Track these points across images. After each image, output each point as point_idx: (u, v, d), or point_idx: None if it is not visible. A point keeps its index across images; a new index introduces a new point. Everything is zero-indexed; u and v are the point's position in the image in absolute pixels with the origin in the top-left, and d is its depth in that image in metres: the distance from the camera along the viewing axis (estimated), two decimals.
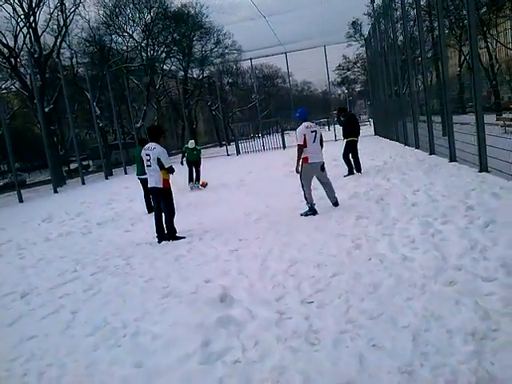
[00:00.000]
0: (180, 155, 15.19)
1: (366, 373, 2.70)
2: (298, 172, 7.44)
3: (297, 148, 7.36)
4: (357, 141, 11.39)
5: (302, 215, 7.33)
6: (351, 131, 11.34)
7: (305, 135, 7.31)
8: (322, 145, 7.65)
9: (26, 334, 4.10)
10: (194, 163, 13.93)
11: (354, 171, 11.13)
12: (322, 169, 7.50)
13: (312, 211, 7.32)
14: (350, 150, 11.20)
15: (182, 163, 14.01)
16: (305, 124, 7.46)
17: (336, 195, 7.63)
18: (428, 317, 3.23)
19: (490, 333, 2.89)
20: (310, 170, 7.40)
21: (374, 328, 3.21)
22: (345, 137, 11.41)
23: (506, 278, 3.57)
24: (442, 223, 5.52)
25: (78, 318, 4.36)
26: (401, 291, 3.75)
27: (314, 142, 7.36)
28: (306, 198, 7.41)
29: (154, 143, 6.98)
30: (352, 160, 11.20)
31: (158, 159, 6.84)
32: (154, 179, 6.95)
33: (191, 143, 14.09)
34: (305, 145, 7.30)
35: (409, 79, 15.53)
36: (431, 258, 4.38)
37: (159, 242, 6.97)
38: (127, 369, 3.18)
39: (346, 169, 11.22)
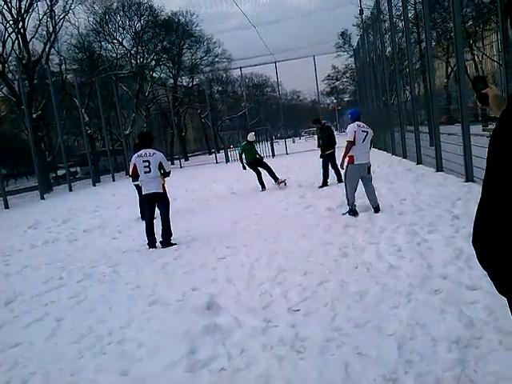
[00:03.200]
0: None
1: (351, 381, 2.71)
2: (342, 167, 7.44)
3: (346, 144, 7.21)
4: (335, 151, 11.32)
5: (343, 214, 7.36)
6: (332, 142, 11.29)
7: (355, 132, 7.20)
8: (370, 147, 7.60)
9: (9, 342, 4.04)
10: (257, 162, 12.30)
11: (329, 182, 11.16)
12: (368, 171, 7.36)
13: (353, 212, 7.25)
14: (330, 161, 11.18)
15: (244, 167, 12.58)
16: (357, 123, 7.35)
17: (378, 200, 7.39)
18: (413, 325, 3.25)
19: (474, 341, 2.91)
20: (354, 171, 7.25)
21: (360, 336, 3.22)
22: (325, 149, 11.16)
23: (490, 286, 3.60)
24: (428, 232, 5.58)
25: (62, 325, 4.31)
26: (386, 299, 3.78)
27: (363, 141, 7.22)
28: (347, 197, 7.33)
29: (151, 149, 7.08)
30: (333, 170, 11.20)
31: (160, 164, 6.98)
32: (155, 185, 6.99)
33: (251, 136, 12.67)
34: (354, 142, 7.17)
35: (397, 90, 15.71)
36: (417, 267, 4.42)
37: (150, 247, 6.96)
38: (112, 377, 3.16)
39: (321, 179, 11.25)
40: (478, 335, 2.97)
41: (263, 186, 12.22)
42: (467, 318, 3.18)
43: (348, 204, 7.34)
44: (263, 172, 12.28)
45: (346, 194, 7.35)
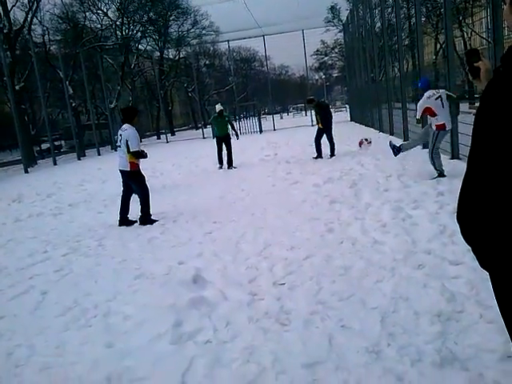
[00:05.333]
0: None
1: (334, 352, 2.75)
2: (418, 122, 7.45)
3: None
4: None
5: (433, 179, 7.12)
6: (330, 118, 11.69)
7: (428, 107, 7.10)
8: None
9: None
10: (223, 139, 12.10)
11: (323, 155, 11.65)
12: None
13: (442, 175, 7.15)
14: (327, 134, 11.56)
15: (214, 137, 12.71)
16: (426, 94, 7.20)
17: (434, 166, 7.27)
18: (396, 298, 3.30)
19: (455, 314, 2.97)
20: (442, 137, 7.23)
21: (344, 309, 3.27)
22: (325, 124, 11.53)
23: (473, 261, 3.65)
24: (412, 208, 5.64)
25: (48, 298, 4.30)
26: (371, 274, 3.83)
27: (443, 107, 7.10)
28: (433, 163, 7.24)
29: (127, 124, 6.83)
30: (329, 144, 11.62)
31: (127, 141, 6.68)
32: (122, 161, 6.82)
33: (218, 107, 12.30)
34: (434, 113, 7.08)
35: (385, 66, 15.64)
36: (401, 242, 4.47)
37: (119, 225, 6.89)
38: (98, 349, 3.17)
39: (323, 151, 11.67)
40: (459, 309, 3.02)
41: (221, 163, 12.25)
42: (449, 293, 3.24)
43: (436, 168, 7.24)
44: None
45: (433, 160, 7.24)
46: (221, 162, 12.26)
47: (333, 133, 11.66)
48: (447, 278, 3.52)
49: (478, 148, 1.36)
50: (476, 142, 1.37)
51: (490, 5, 7.18)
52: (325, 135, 11.52)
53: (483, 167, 1.32)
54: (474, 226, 1.39)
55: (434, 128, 7.18)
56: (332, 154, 11.57)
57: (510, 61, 1.28)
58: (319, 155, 11.57)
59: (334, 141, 11.68)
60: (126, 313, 3.68)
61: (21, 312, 4.03)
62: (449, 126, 7.19)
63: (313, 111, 12.26)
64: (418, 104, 7.31)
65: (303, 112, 51.41)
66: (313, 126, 23.95)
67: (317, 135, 11.63)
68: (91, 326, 3.56)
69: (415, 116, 7.51)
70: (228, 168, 12.09)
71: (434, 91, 7.27)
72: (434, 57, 22.32)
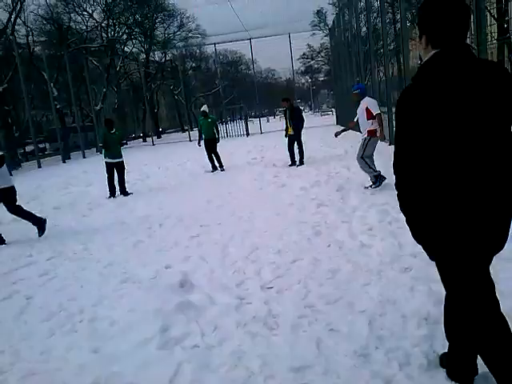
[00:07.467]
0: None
1: (322, 356, 2.75)
2: (384, 138, 7.34)
3: (380, 117, 7.07)
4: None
5: (374, 187, 7.10)
6: (302, 124, 11.39)
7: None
8: None
9: None
10: (211, 142, 11.87)
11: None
12: None
13: (380, 180, 7.09)
14: (297, 141, 11.26)
15: (199, 144, 12.20)
16: (370, 97, 7.24)
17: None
18: (384, 302, 3.32)
19: (443, 317, 2.98)
20: (375, 143, 7.30)
21: (332, 313, 3.27)
22: (299, 130, 11.21)
23: None
24: (399, 211, 5.63)
25: (32, 303, 4.23)
26: (358, 277, 3.84)
27: None
28: (370, 171, 7.15)
29: None
30: (298, 150, 11.27)
31: None
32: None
33: (205, 107, 12.19)
34: (372, 116, 7.07)
35: (371, 70, 15.76)
36: (388, 245, 4.50)
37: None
38: (84, 354, 3.13)
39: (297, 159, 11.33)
40: None
41: (214, 167, 12.05)
42: (436, 295, 3.25)
43: (374, 174, 7.16)
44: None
45: (370, 168, 7.15)
46: (214, 166, 12.04)
47: (302, 140, 11.34)
48: (434, 280, 3.50)
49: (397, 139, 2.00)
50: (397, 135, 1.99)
51: (474, 9, 7.28)
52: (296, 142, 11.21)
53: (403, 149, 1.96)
54: (405, 197, 2.00)
55: (365, 134, 7.17)
56: (301, 162, 11.15)
57: (414, 78, 1.91)
58: (293, 163, 11.21)
59: (304, 148, 11.34)
60: (113, 317, 3.64)
61: (5, 317, 3.97)
62: (377, 134, 7.24)
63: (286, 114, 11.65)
64: (373, 102, 7.30)
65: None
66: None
67: (289, 143, 11.29)
68: (77, 331, 3.51)
69: (355, 121, 7.56)
70: (220, 170, 11.98)
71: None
72: (419, 61, 22.58)
